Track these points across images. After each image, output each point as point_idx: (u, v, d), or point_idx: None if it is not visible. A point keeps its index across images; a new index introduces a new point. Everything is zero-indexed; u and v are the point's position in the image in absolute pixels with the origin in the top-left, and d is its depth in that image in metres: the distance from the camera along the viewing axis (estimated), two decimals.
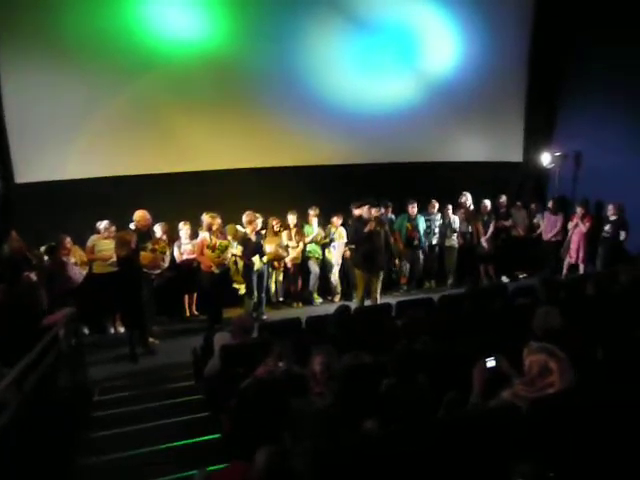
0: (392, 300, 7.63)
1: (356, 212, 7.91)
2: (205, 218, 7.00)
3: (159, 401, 4.87)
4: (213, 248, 6.80)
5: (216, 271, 6.92)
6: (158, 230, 7.01)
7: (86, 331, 7.02)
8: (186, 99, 7.90)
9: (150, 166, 7.71)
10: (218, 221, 6.96)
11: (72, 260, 6.68)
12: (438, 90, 9.22)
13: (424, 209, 8.70)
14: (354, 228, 7.17)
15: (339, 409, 2.51)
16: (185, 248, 7.36)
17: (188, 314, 7.70)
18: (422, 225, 8.55)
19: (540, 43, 9.41)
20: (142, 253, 6.46)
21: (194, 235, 7.41)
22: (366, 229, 6.90)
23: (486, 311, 5.04)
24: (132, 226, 6.55)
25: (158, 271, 6.87)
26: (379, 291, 7.23)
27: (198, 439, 3.96)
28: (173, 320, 7.59)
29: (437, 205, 8.70)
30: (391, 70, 8.97)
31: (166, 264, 6.99)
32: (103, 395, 5.25)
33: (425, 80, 9.22)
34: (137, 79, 7.57)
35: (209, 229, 6.89)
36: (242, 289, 7.57)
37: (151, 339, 6.67)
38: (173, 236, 7.38)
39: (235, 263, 7.47)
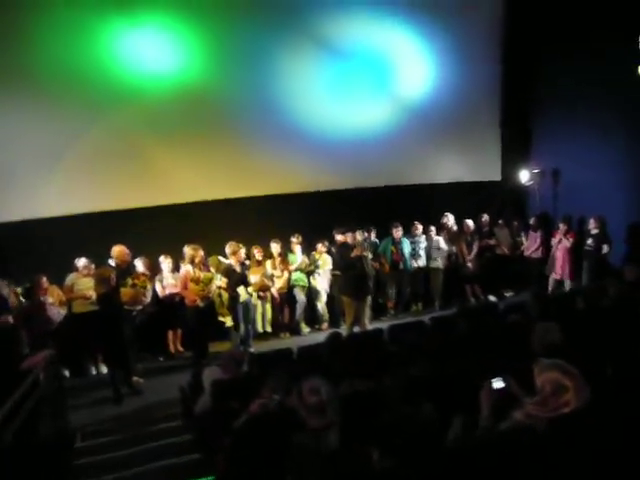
0: (381, 325, 7.55)
1: (339, 238, 7.87)
2: (187, 250, 6.84)
3: (146, 444, 4.62)
4: (197, 281, 6.63)
5: (201, 304, 6.74)
6: (139, 265, 6.82)
7: (67, 374, 6.73)
8: (163, 132, 7.80)
9: (128, 200, 7.55)
10: (200, 253, 6.80)
11: (50, 300, 6.44)
12: (414, 113, 9.30)
13: (407, 232, 8.66)
14: (339, 254, 7.08)
15: (346, 445, 2.35)
16: (167, 282, 7.16)
17: (173, 350, 7.45)
18: (407, 248, 8.50)
19: (511, 62, 9.59)
20: (122, 289, 6.26)
21: (176, 269, 7.23)
22: (353, 254, 6.81)
23: (479, 330, 4.94)
24: (112, 262, 6.36)
25: (140, 307, 6.66)
26: (368, 317, 7.12)
27: None
28: (157, 357, 7.33)
29: (420, 227, 8.68)
30: (367, 95, 9.03)
31: (148, 299, 6.77)
32: (86, 440, 4.97)
33: (400, 104, 9.29)
34: (112, 113, 7.46)
35: (192, 262, 6.72)
36: (228, 322, 7.37)
37: (135, 378, 6.41)
38: (155, 270, 7.18)
39: (219, 295, 7.30)
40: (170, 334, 7.42)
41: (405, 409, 2.69)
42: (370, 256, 7.05)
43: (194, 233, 7.44)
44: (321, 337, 7.73)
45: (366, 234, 7.79)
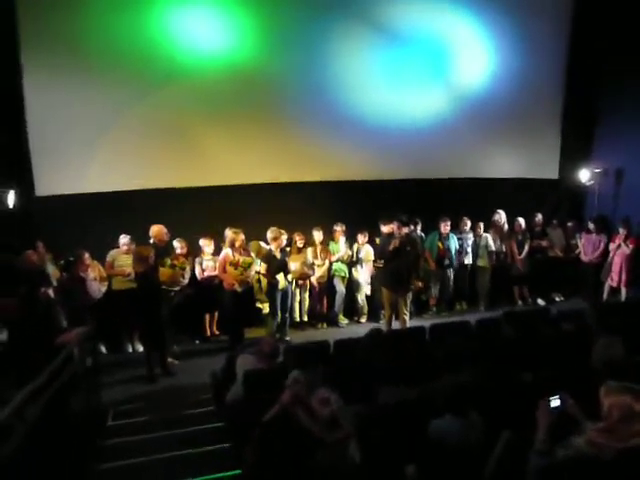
0: (422, 322, 7.29)
1: (384, 229, 7.59)
2: (228, 234, 6.73)
3: (176, 429, 4.52)
4: (236, 265, 6.51)
5: (239, 289, 6.63)
6: (177, 246, 6.74)
7: (104, 350, 6.76)
8: (211, 111, 7.69)
9: (172, 179, 7.49)
10: (241, 237, 6.68)
11: (91, 276, 6.44)
12: (471, 104, 8.88)
13: (455, 227, 8.31)
14: (382, 244, 6.82)
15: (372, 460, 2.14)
16: (207, 264, 7.07)
17: (209, 333, 7.38)
18: (454, 244, 8.15)
19: (578, 56, 9.07)
20: (161, 269, 6.21)
21: (216, 251, 7.14)
22: (390, 246, 6.55)
23: (527, 338, 4.63)
24: (150, 241, 6.30)
25: (177, 288, 6.59)
26: (408, 313, 6.86)
27: (217, 475, 3.60)
28: (193, 339, 7.28)
29: (469, 223, 8.31)
30: (422, 82, 8.67)
31: (186, 281, 6.69)
32: (117, 420, 4.93)
33: (457, 93, 8.88)
34: (161, 90, 7.38)
35: (232, 245, 6.61)
36: (265, 308, 7.25)
37: (170, 359, 6.38)
38: (194, 252, 7.11)
39: (259, 281, 7.17)
40: (207, 317, 7.36)
41: (451, 421, 2.46)
42: (414, 250, 6.72)
43: (236, 216, 7.34)
44: (359, 330, 7.63)
45: (412, 227, 7.48)
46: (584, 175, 8.99)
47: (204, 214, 7.46)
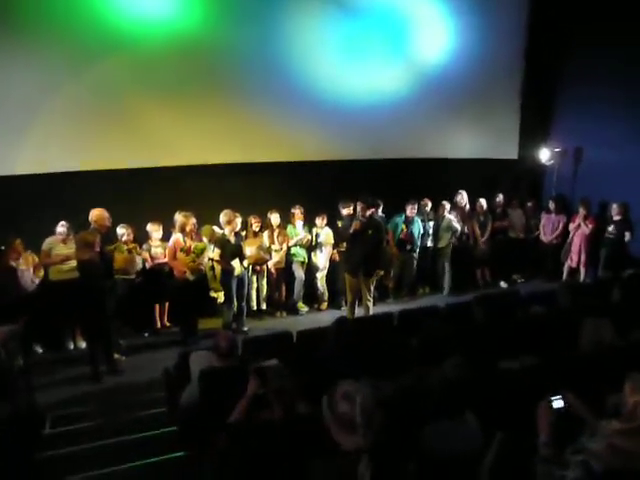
0: (386, 308, 7.02)
1: (344, 211, 7.27)
2: (178, 218, 6.21)
3: (124, 435, 4.05)
4: (187, 251, 6.01)
5: (190, 277, 6.14)
6: (122, 232, 6.18)
7: (39, 349, 6.15)
8: (155, 86, 7.03)
9: (114, 161, 6.82)
10: (192, 221, 6.17)
11: (23, 265, 5.80)
12: (429, 81, 8.58)
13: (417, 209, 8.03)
14: (343, 227, 6.47)
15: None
16: (155, 252, 6.54)
17: (159, 325, 6.86)
18: (418, 228, 7.87)
19: (537, 34, 8.88)
20: (116, 255, 5.74)
21: (165, 237, 6.60)
22: (352, 229, 6.21)
23: (505, 322, 4.39)
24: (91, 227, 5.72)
25: (134, 275, 6.07)
26: (371, 299, 6.55)
27: None
28: (141, 332, 6.73)
29: (430, 204, 8.06)
30: (379, 58, 8.28)
31: (139, 266, 6.15)
32: (56, 427, 4.40)
33: (416, 70, 8.56)
34: (99, 63, 6.66)
35: (182, 230, 6.09)
36: (220, 297, 6.79)
37: (116, 355, 5.84)
38: (140, 238, 6.55)
39: (212, 268, 6.69)
40: (157, 308, 6.83)
41: (446, 426, 2.13)
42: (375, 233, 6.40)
43: (186, 200, 6.80)
44: (320, 318, 7.30)
45: (373, 209, 7.15)
46: (544, 154, 8.90)
47: (150, 198, 6.89)
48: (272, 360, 2.94)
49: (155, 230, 6.53)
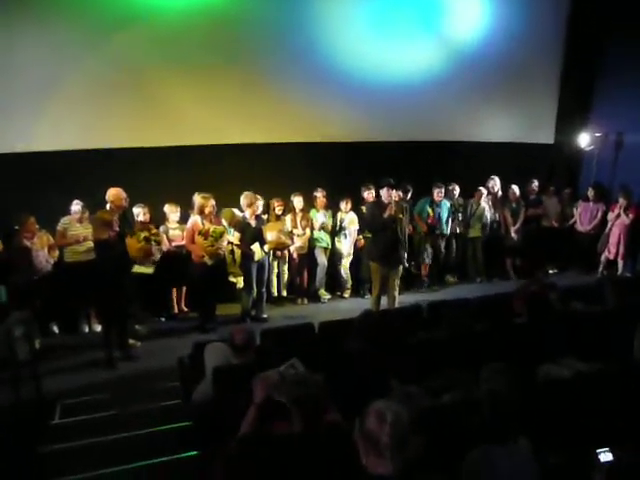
0: (415, 299, 6.71)
1: (367, 195, 6.95)
2: (197, 199, 5.94)
3: (136, 429, 3.83)
4: (206, 235, 5.74)
5: (209, 262, 5.89)
6: (138, 212, 5.95)
7: (56, 330, 5.99)
8: (175, 61, 6.73)
9: (131, 139, 6.58)
10: (212, 203, 5.90)
11: (37, 245, 5.61)
12: (463, 60, 8.11)
13: (445, 194, 7.65)
14: (371, 213, 6.13)
15: None
16: (173, 234, 6.30)
17: (176, 310, 6.65)
18: (445, 212, 7.50)
19: (579, 13, 8.34)
20: (131, 242, 5.41)
21: (184, 219, 6.36)
22: (385, 214, 5.86)
23: (543, 319, 4.02)
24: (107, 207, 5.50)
25: (150, 266, 5.79)
26: (397, 288, 6.23)
27: None
28: (158, 317, 6.53)
29: (458, 189, 7.67)
30: (411, 35, 7.85)
31: (159, 256, 5.88)
32: (65, 416, 4.20)
33: (449, 48, 8.10)
34: (117, 36, 6.39)
35: (201, 212, 5.83)
36: (239, 282, 6.56)
37: (132, 341, 5.65)
38: (157, 219, 6.31)
39: (232, 252, 6.44)
40: (174, 292, 6.61)
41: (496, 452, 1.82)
42: (406, 219, 6.06)
43: (206, 180, 6.53)
44: (342, 306, 7.03)
45: (401, 193, 6.79)
46: (583, 139, 8.39)
47: (168, 178, 6.65)
48: (291, 360, 2.63)
49: (173, 211, 6.29)
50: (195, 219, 5.83)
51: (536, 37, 8.36)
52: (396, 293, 6.20)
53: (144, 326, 6.12)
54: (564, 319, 3.78)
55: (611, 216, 7.75)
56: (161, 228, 6.23)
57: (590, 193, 7.99)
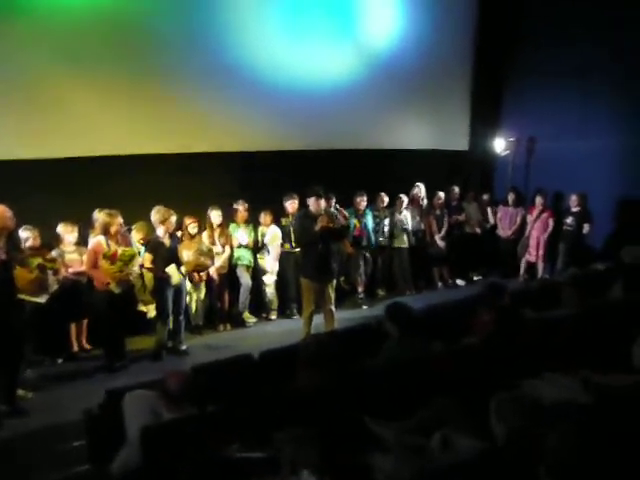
0: (349, 316, 6.28)
1: (290, 206, 6.48)
2: (99, 217, 5.07)
3: None
4: (113, 258, 4.86)
5: (115, 290, 5.02)
6: (26, 236, 4.95)
7: None
8: (73, 67, 5.80)
9: (18, 149, 5.57)
10: (118, 221, 5.05)
11: None
12: (377, 66, 7.90)
13: (370, 203, 7.31)
14: (300, 225, 5.58)
15: None
16: (70, 259, 5.33)
17: (76, 348, 5.63)
18: (371, 222, 7.15)
19: (488, 18, 8.46)
20: (20, 272, 4.41)
21: (81, 241, 5.44)
22: (317, 226, 5.35)
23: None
24: None
25: (43, 298, 4.78)
26: (333, 302, 5.73)
27: None
28: (54, 358, 5.48)
29: (386, 199, 7.36)
30: (325, 39, 7.49)
31: (54, 287, 4.87)
32: None
33: (364, 54, 7.85)
34: (8, 40, 5.43)
35: (105, 232, 4.95)
36: (151, 311, 5.72)
37: (21, 391, 4.62)
38: (48, 244, 5.32)
39: (141, 277, 5.60)
40: (73, 327, 5.60)
41: None
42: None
43: (107, 196, 5.65)
44: (270, 328, 6.39)
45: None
46: (498, 145, 8.46)
47: (62, 194, 5.66)
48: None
49: (68, 232, 5.32)
50: (98, 240, 4.93)
51: (447, 43, 8.35)
52: (333, 308, 5.69)
53: (35, 371, 5.09)
54: (538, 330, 3.43)
55: (530, 219, 7.81)
56: (54, 252, 5.23)
57: (510, 197, 8.02)
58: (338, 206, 6.57)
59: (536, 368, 3.15)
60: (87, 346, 5.69)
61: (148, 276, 5.62)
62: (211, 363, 3.56)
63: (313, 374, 3.04)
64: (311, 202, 5.52)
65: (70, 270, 5.31)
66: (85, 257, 5.12)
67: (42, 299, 4.85)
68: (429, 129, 8.64)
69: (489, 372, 3.05)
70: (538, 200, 7.73)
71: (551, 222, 7.64)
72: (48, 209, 5.44)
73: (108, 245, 4.91)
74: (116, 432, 2.90)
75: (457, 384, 2.91)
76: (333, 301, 5.67)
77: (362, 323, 4.32)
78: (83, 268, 5.21)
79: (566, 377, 3.18)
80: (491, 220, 8.30)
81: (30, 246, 4.93)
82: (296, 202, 6.46)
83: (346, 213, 6.50)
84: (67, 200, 5.65)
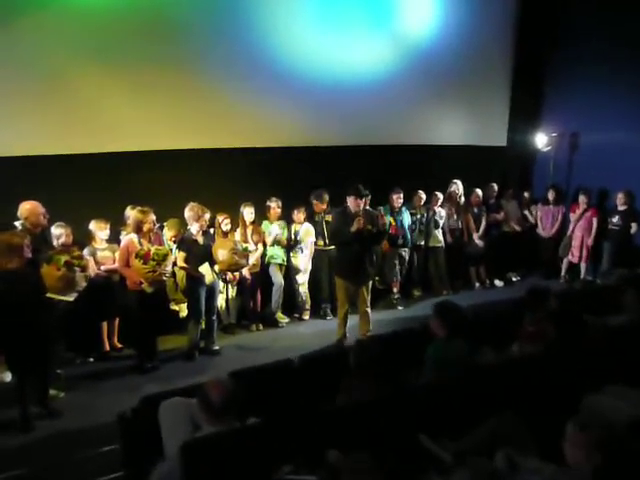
0: (384, 317, 6.10)
1: (320, 206, 6.37)
2: (132, 214, 4.94)
3: None
4: (146, 258, 4.71)
5: (148, 290, 4.88)
6: (58, 233, 4.85)
7: None
8: (101, 60, 5.69)
9: (47, 145, 5.46)
10: (151, 218, 4.89)
11: None
12: (414, 60, 7.62)
13: (407, 201, 7.07)
14: (337, 224, 5.39)
15: None
16: (102, 256, 5.23)
17: (108, 348, 5.52)
18: (407, 220, 6.91)
19: (529, 11, 8.10)
20: (48, 270, 4.30)
21: (113, 239, 5.33)
22: (354, 227, 5.15)
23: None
24: (18, 225, 4.40)
25: (72, 297, 4.68)
26: (369, 304, 5.54)
27: None
28: (85, 357, 5.38)
29: (424, 197, 7.10)
30: (361, 32, 7.24)
31: (84, 285, 4.75)
32: None
33: (400, 47, 7.57)
34: (25, 30, 5.29)
35: (138, 230, 4.81)
36: (183, 310, 5.61)
37: (53, 391, 4.54)
38: (81, 240, 5.22)
39: (173, 275, 5.48)
40: (104, 326, 5.49)
41: None
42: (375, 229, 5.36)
43: (139, 193, 5.55)
44: (303, 329, 6.20)
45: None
46: (540, 140, 8.11)
47: (94, 190, 5.59)
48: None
49: (101, 229, 5.21)
50: (130, 238, 4.80)
51: (487, 34, 8.03)
52: (368, 309, 5.52)
53: (66, 370, 5.00)
54: (601, 338, 3.17)
55: (573, 218, 7.48)
56: (86, 250, 5.13)
57: (550, 195, 7.70)
58: (382, 209, 6.31)
59: (600, 380, 2.92)
60: (119, 345, 5.59)
61: (180, 275, 5.50)
62: (249, 369, 3.39)
63: (365, 384, 2.85)
64: (350, 200, 5.35)
65: (102, 268, 5.21)
66: (117, 255, 5.00)
67: (70, 297, 4.74)
68: (467, 124, 8.33)
69: (551, 384, 2.82)
70: (581, 198, 7.41)
71: (595, 221, 7.31)
72: (79, 206, 5.34)
73: (140, 243, 4.78)
74: (151, 439, 2.77)
75: (516, 397, 2.70)
76: (369, 303, 5.49)
77: (407, 327, 4.09)
78: (115, 266, 5.09)
79: (632, 390, 2.96)
80: (530, 219, 7.97)
81: (63, 243, 4.84)
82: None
83: (386, 219, 6.19)
84: (98, 197, 5.56)
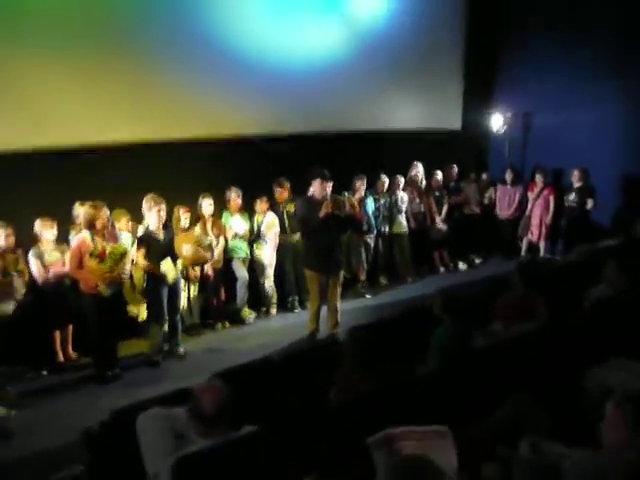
0: (351, 306, 5.92)
1: (283, 193, 6.15)
2: (82, 210, 4.53)
3: None
4: (101, 256, 4.32)
5: (105, 292, 4.49)
6: None
7: None
8: (40, 46, 5.19)
9: None
10: (104, 213, 4.50)
11: None
12: (367, 42, 7.39)
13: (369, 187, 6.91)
14: (303, 211, 5.15)
15: None
16: (50, 258, 4.77)
17: (62, 358, 5.06)
18: (371, 206, 6.75)
19: None
20: None
21: (63, 238, 4.89)
22: (322, 212, 4.93)
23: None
24: None
25: (10, 305, 4.21)
26: (339, 298, 5.34)
27: None
28: (37, 370, 4.91)
29: (387, 182, 6.95)
30: (312, 16, 6.97)
31: (22, 291, 4.30)
32: None
33: (352, 31, 7.32)
34: None
35: (90, 226, 4.41)
36: (142, 313, 5.23)
37: (2, 410, 4.11)
38: (26, 243, 4.76)
39: (130, 275, 5.09)
40: (57, 335, 5.04)
41: None
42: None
43: (87, 189, 5.08)
44: (272, 324, 5.94)
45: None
46: (495, 122, 8.12)
47: (37, 187, 5.09)
48: None
49: (47, 228, 4.72)
50: (82, 237, 4.39)
51: (438, 18, 7.93)
52: (338, 304, 5.31)
53: (16, 385, 4.55)
54: (594, 311, 3.09)
55: (531, 196, 7.55)
56: (31, 252, 4.68)
57: (508, 176, 7.72)
58: (347, 194, 6.10)
59: (601, 353, 2.83)
60: (74, 355, 5.15)
61: (138, 274, 5.13)
62: (228, 371, 3.11)
63: (366, 375, 2.64)
64: (316, 185, 5.13)
65: (51, 271, 4.75)
66: (68, 256, 4.57)
67: (8, 306, 4.32)
68: (422, 108, 8.24)
69: (554, 360, 2.71)
70: (538, 177, 7.47)
71: (552, 199, 7.39)
72: (20, 205, 4.87)
73: (94, 242, 4.37)
74: (124, 457, 2.48)
75: (523, 376, 2.56)
76: (338, 296, 5.29)
77: (391, 316, 3.91)
78: (66, 268, 4.66)
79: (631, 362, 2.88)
80: (488, 200, 7.98)
81: (4, 246, 4.37)
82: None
83: (354, 201, 5.98)
84: (42, 194, 5.07)
